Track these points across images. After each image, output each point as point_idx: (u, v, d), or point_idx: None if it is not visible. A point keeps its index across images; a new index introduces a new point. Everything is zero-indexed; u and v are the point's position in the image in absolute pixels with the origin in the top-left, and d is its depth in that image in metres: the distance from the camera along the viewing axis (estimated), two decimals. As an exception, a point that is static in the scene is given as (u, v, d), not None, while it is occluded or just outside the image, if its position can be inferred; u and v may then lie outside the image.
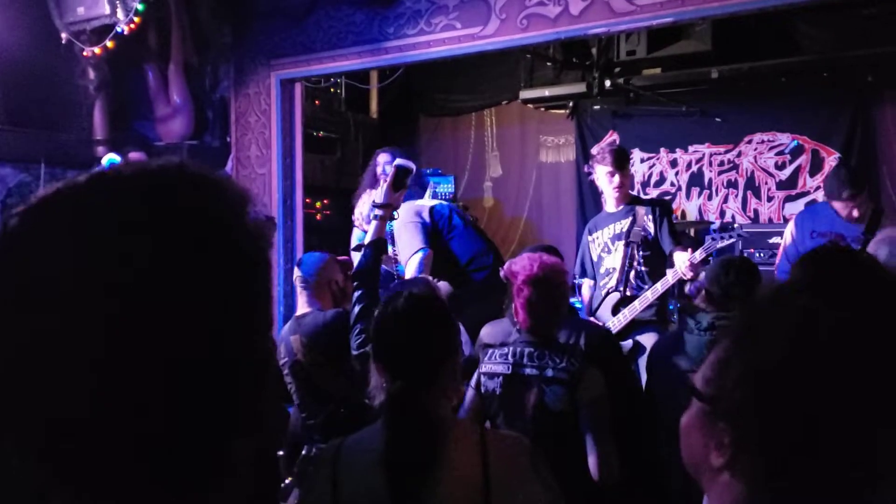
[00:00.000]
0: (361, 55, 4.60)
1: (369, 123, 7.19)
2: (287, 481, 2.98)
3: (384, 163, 4.92)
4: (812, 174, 6.32)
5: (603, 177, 4.26)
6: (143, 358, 0.56)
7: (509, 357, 2.54)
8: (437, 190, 6.38)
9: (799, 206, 6.26)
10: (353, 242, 4.71)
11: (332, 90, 6.72)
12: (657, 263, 4.16)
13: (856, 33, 5.64)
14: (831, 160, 6.21)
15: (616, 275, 4.16)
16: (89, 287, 0.56)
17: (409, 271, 3.82)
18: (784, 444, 0.90)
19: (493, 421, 2.54)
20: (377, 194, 3.21)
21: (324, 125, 6.54)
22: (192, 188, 0.63)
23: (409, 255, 3.84)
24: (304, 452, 2.94)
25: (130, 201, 0.60)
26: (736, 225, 6.20)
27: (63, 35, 4.91)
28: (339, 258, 4.07)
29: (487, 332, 2.88)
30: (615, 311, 4.08)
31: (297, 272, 3.24)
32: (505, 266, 2.71)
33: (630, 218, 4.18)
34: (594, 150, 4.37)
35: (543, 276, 2.53)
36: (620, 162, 4.22)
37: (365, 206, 4.77)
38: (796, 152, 6.37)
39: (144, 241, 0.58)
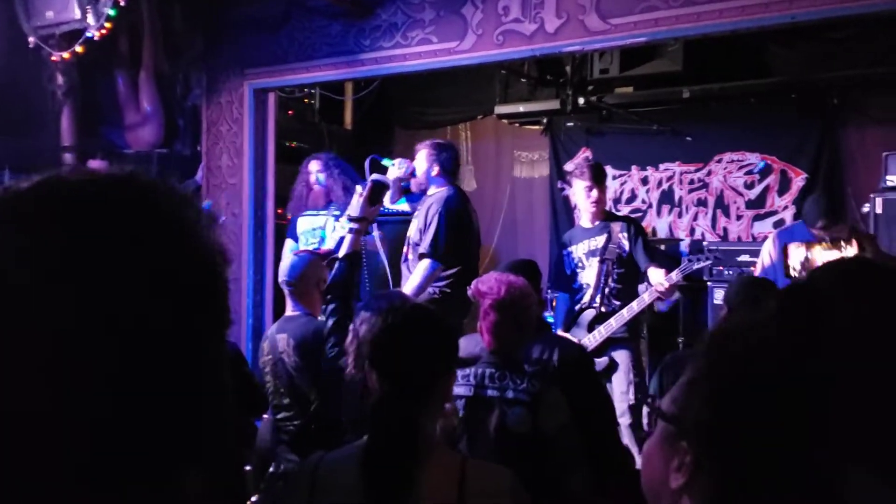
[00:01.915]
0: (336, 66, 4.59)
1: (343, 135, 7.16)
2: (254, 499, 2.94)
3: (316, 171, 4.89)
4: (780, 194, 6.41)
5: (581, 192, 4.28)
6: (83, 372, 0.53)
7: (471, 379, 2.52)
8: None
9: (767, 225, 6.35)
10: (286, 253, 4.68)
11: (305, 101, 6.68)
12: (631, 281, 4.19)
13: (824, 56, 5.75)
14: (799, 180, 6.31)
15: (591, 291, 4.18)
16: (26, 299, 0.53)
17: (415, 277, 3.87)
18: (741, 466, 0.90)
19: (456, 444, 2.52)
20: (352, 207, 3.19)
21: (297, 136, 6.50)
22: (141, 198, 0.60)
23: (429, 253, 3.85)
24: (271, 470, 2.90)
25: (71, 207, 0.57)
26: (705, 243, 6.29)
27: (31, 39, 4.83)
28: (322, 250, 4.06)
29: (462, 346, 2.86)
30: (591, 327, 4.09)
31: (282, 276, 3.23)
32: (472, 284, 2.69)
33: (605, 234, 4.21)
34: (571, 165, 4.41)
35: (510, 300, 2.51)
36: (598, 177, 4.25)
37: (309, 221, 4.76)
38: (765, 172, 6.46)
39: (90, 248, 0.55)
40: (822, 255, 2.58)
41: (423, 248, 4.03)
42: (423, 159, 4.37)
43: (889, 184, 4.72)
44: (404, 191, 4.58)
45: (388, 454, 1.65)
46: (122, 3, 4.50)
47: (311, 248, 4.65)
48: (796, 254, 2.66)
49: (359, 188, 3.31)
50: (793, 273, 2.68)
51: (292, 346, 2.97)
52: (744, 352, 0.93)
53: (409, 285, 4.00)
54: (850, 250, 2.50)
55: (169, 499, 0.58)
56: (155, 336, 0.56)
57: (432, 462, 1.67)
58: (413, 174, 4.33)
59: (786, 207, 6.32)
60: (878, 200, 4.62)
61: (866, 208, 4.94)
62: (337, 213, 4.76)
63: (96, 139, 5.89)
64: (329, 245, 4.64)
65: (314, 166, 4.99)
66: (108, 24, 4.65)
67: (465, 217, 4.18)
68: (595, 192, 4.23)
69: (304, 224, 4.97)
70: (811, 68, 5.83)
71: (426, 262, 3.98)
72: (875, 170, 5.28)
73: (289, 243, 4.93)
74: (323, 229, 4.86)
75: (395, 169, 4.35)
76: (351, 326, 2.40)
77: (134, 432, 0.55)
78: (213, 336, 0.62)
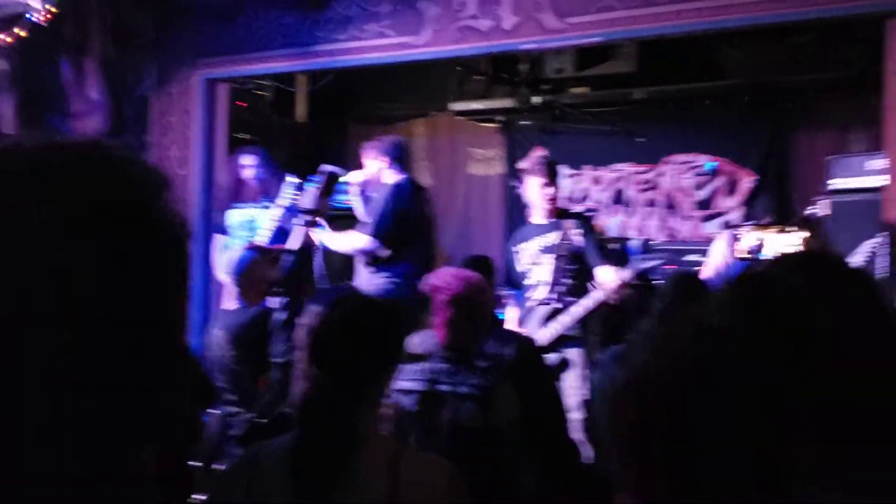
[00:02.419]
0: (290, 58, 4.53)
1: (296, 128, 7.07)
2: (202, 497, 2.87)
3: (250, 164, 4.82)
4: (729, 195, 6.52)
5: (535, 188, 4.28)
6: (39, 340, 0.51)
7: (424, 374, 2.51)
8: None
9: (716, 225, 6.45)
10: (217, 250, 4.60)
11: (258, 92, 6.58)
12: (584, 278, 4.21)
13: (776, 61, 5.87)
14: (748, 182, 6.43)
15: (544, 287, 4.19)
16: None
17: (346, 239, 3.82)
18: (697, 467, 0.89)
19: (407, 439, 2.50)
20: (305, 199, 3.15)
21: (248, 128, 6.39)
22: (103, 162, 0.57)
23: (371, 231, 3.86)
24: (223, 468, 2.84)
25: (29, 172, 0.54)
26: (654, 242, 6.37)
27: (-29, 21, 4.67)
28: (273, 246, 4.00)
29: (416, 342, 2.84)
30: (544, 324, 4.11)
31: (223, 271, 3.18)
32: (427, 280, 2.67)
33: (558, 231, 4.22)
34: (525, 163, 4.40)
35: (466, 296, 2.51)
36: (553, 174, 4.26)
37: (240, 214, 4.68)
38: (714, 174, 6.57)
39: (50, 214, 0.52)
40: (774, 239, 2.63)
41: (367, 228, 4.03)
42: (371, 158, 4.35)
43: (832, 187, 4.83)
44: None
45: (317, 447, 1.61)
46: (68, -13, 4.37)
47: (243, 241, 4.55)
48: (749, 238, 2.71)
49: (291, 179, 3.28)
50: (745, 256, 2.73)
51: (227, 339, 2.93)
52: (694, 351, 0.93)
53: (335, 243, 3.98)
54: (800, 235, 2.56)
55: (128, 477, 0.56)
56: (112, 302, 0.54)
57: (366, 453, 1.63)
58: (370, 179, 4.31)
59: (734, 209, 6.43)
60: (823, 203, 4.73)
61: (811, 210, 5.05)
62: (268, 204, 4.68)
63: (40, 127, 5.72)
64: (261, 238, 4.55)
65: (248, 160, 4.89)
66: (52, 8, 4.51)
67: (414, 204, 4.16)
68: (550, 189, 4.25)
69: (235, 217, 4.87)
70: (763, 72, 5.94)
71: (366, 236, 3.96)
72: (820, 173, 5.40)
73: (219, 238, 4.82)
74: (254, 222, 4.77)
75: (355, 174, 4.32)
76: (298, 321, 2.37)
77: (95, 405, 0.53)
78: (174, 304, 0.60)
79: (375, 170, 4.28)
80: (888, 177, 3.34)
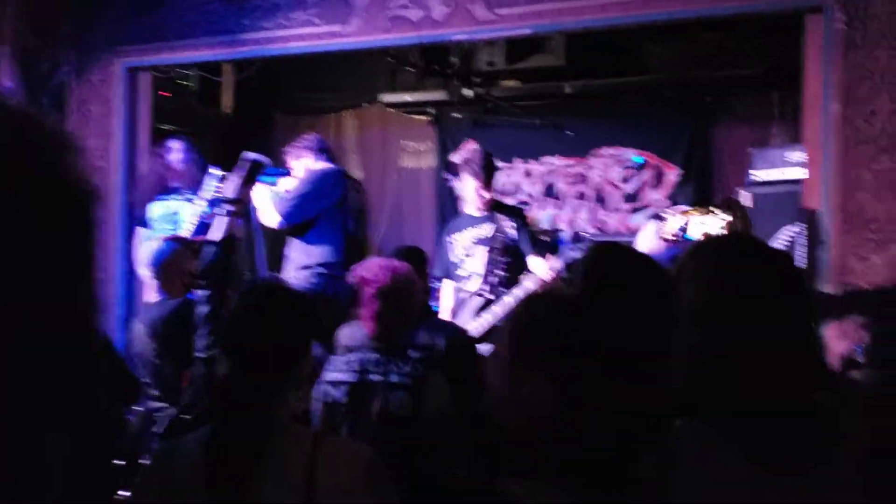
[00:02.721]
0: (215, 46, 4.42)
1: (222, 118, 6.91)
2: (126, 494, 2.79)
3: (177, 151, 4.71)
4: (655, 188, 6.66)
5: (471, 188, 4.30)
6: None
7: (354, 364, 2.49)
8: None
9: (642, 217, 6.57)
10: (139, 243, 4.49)
11: (182, 82, 6.41)
12: (516, 270, 4.25)
13: (698, 56, 6.01)
14: (672, 175, 6.58)
15: (477, 279, 4.20)
16: None
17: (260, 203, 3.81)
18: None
19: (338, 429, 2.47)
20: (227, 189, 3.08)
21: (172, 118, 6.22)
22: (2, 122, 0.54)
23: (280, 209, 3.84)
24: (143, 461, 2.77)
25: None
26: (584, 235, 6.46)
27: None
28: (196, 238, 3.90)
29: (346, 334, 2.81)
30: (476, 315, 4.12)
31: (143, 264, 3.09)
32: (355, 271, 2.64)
33: (492, 223, 4.24)
34: (459, 157, 4.41)
35: (394, 287, 2.49)
36: (489, 175, 4.27)
37: (162, 206, 4.58)
38: (641, 167, 6.70)
39: None
40: (699, 220, 2.69)
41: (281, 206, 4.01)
42: (296, 158, 4.31)
43: (755, 178, 4.96)
44: None
45: (230, 438, 1.58)
46: (-22, -30, 4.18)
47: (166, 234, 4.44)
48: (674, 220, 2.76)
49: (214, 170, 3.22)
50: (670, 238, 2.78)
51: (148, 332, 2.85)
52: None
53: (261, 207, 3.99)
54: (724, 217, 2.62)
55: (33, 461, 0.52)
56: (12, 277, 0.49)
57: (280, 447, 1.60)
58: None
59: (659, 201, 6.57)
60: (745, 194, 4.85)
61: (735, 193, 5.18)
62: (191, 196, 4.58)
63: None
64: (184, 231, 4.45)
65: (173, 151, 4.76)
66: (-37, -7, 4.31)
67: (339, 193, 4.12)
68: (485, 191, 4.27)
69: (158, 209, 4.74)
70: (686, 67, 6.08)
71: (278, 215, 3.95)
72: (742, 165, 5.55)
73: (141, 231, 4.69)
74: (178, 214, 4.65)
75: (287, 181, 4.25)
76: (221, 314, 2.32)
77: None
78: (79, 279, 0.56)
79: (304, 167, 4.24)
80: (807, 169, 3.45)
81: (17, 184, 0.51)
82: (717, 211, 2.65)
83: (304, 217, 4.04)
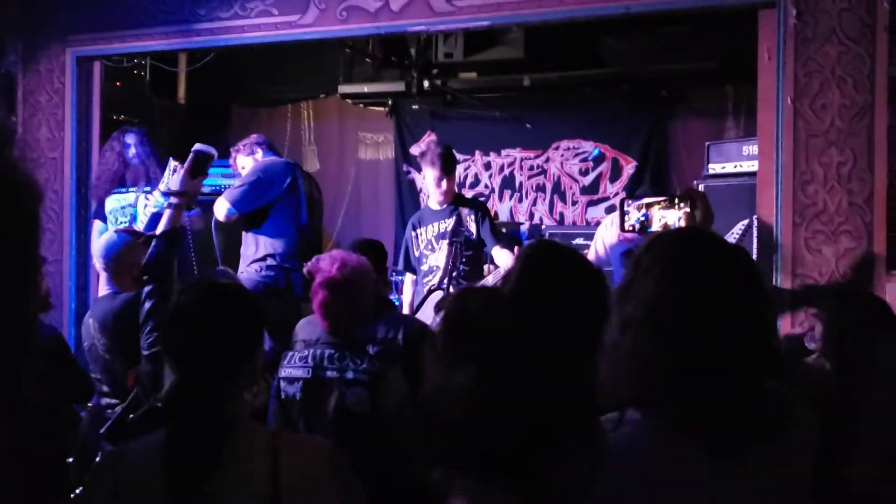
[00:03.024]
0: (169, 36, 4.33)
1: (176, 109, 6.80)
2: (79, 491, 2.73)
3: (134, 145, 4.63)
4: (612, 181, 6.73)
5: (431, 180, 4.29)
6: None
7: (309, 360, 2.46)
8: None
9: (600, 210, 6.64)
10: (95, 237, 4.42)
11: (135, 71, 6.28)
12: (479, 263, 4.26)
13: (654, 50, 6.07)
14: (629, 168, 6.64)
15: (440, 273, 4.19)
16: None
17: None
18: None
19: (295, 427, 2.44)
20: (172, 180, 3.02)
21: (125, 109, 6.10)
22: None
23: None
24: (98, 460, 2.70)
25: None
26: (543, 227, 6.50)
27: None
28: (151, 232, 3.84)
29: (303, 328, 2.78)
30: (438, 309, 4.10)
31: (95, 257, 3.02)
32: (310, 262, 2.62)
33: (454, 217, 4.23)
34: (419, 150, 4.39)
35: (341, 279, 2.46)
36: (449, 167, 4.25)
37: (118, 199, 4.51)
38: (598, 160, 6.76)
39: None
40: (659, 213, 2.70)
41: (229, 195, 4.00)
42: (244, 157, 4.27)
43: (711, 171, 5.03)
44: None
45: (187, 440, 1.55)
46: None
47: (122, 227, 4.36)
48: (635, 213, 2.77)
49: (172, 162, 3.15)
50: (629, 229, 2.80)
51: (97, 327, 2.79)
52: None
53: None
54: (684, 208, 2.64)
55: None
56: None
57: (239, 446, 1.57)
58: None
59: (617, 194, 6.63)
60: (701, 187, 4.92)
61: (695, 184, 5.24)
62: (148, 189, 4.50)
63: None
64: (139, 223, 4.37)
65: (132, 139, 4.67)
66: None
67: (280, 177, 4.08)
68: (445, 183, 4.25)
69: (113, 202, 4.65)
70: (642, 61, 6.14)
71: (226, 203, 3.93)
72: (698, 158, 5.63)
73: (97, 224, 4.59)
74: (134, 207, 4.56)
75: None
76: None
77: None
78: (19, 277, 0.54)
79: (252, 165, 4.21)
80: (761, 162, 3.50)
81: None
82: (677, 202, 2.67)
83: (252, 206, 3.99)
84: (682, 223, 2.67)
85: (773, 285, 3.24)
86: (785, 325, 3.25)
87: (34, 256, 0.56)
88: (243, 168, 4.28)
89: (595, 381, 1.18)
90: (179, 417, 1.58)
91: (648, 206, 2.76)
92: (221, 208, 3.94)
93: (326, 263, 2.48)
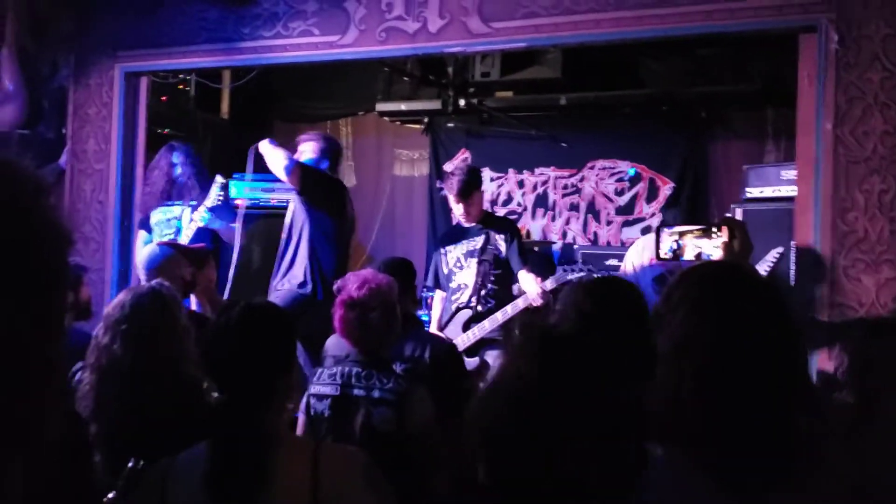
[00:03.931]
0: (213, 53, 4.44)
1: (219, 124, 6.94)
2: (110, 496, 2.78)
3: (181, 162, 4.75)
4: (648, 201, 6.69)
5: (452, 205, 4.34)
6: None
7: (337, 378, 2.49)
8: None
9: (635, 231, 6.60)
10: (139, 247, 4.52)
11: (181, 87, 6.43)
12: (507, 283, 4.28)
13: (692, 71, 6.04)
14: (666, 189, 6.60)
15: (468, 291, 4.22)
16: None
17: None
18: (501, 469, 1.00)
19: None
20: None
21: (170, 123, 6.24)
22: None
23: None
24: (130, 465, 2.75)
25: None
26: (576, 246, 6.48)
27: None
28: (193, 245, 3.93)
29: (333, 345, 2.82)
30: (466, 327, 4.14)
31: (139, 268, 3.10)
32: (341, 279, 2.66)
33: (483, 236, 4.26)
34: (447, 175, 4.44)
35: (359, 299, 2.49)
36: (465, 193, 4.24)
37: (163, 211, 4.62)
38: (634, 180, 6.73)
39: None
40: (694, 242, 2.67)
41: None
42: (311, 150, 4.36)
43: (749, 195, 4.99)
44: None
45: (232, 457, 1.60)
46: (-21, -25, 4.19)
47: (166, 239, 4.46)
48: (668, 240, 2.73)
49: (219, 179, 3.23)
50: (664, 257, 2.75)
51: None
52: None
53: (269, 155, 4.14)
54: (721, 238, 2.59)
55: None
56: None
57: (283, 453, 1.64)
58: None
59: (653, 215, 6.59)
60: (739, 211, 4.88)
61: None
62: (193, 203, 4.60)
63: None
64: (183, 237, 4.47)
65: (179, 156, 4.79)
66: (-36, -3, 4.32)
67: (341, 194, 4.21)
68: (461, 207, 4.26)
69: (158, 215, 4.76)
70: (680, 82, 6.11)
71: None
72: (736, 181, 5.58)
73: (142, 235, 4.71)
74: (178, 220, 4.67)
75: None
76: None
77: None
78: (42, 320, 0.57)
79: (310, 161, 4.35)
80: (800, 187, 3.46)
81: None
82: (713, 231, 2.62)
83: (306, 179, 4.13)
84: (719, 252, 2.62)
85: (811, 316, 3.19)
86: (823, 360, 3.20)
87: (58, 302, 0.60)
88: (303, 152, 4.42)
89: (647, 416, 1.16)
90: (222, 431, 1.63)
91: (682, 234, 2.72)
92: (280, 163, 4.11)
93: (351, 282, 2.52)
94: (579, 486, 1.00)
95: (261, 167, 4.35)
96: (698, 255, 2.65)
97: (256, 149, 4.26)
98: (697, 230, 2.71)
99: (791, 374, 1.22)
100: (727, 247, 2.58)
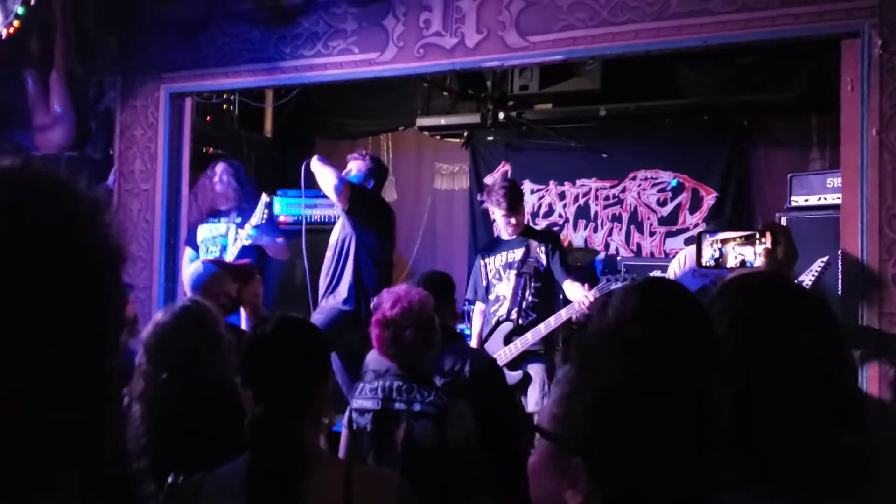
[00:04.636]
0: (256, 73, 4.52)
1: (262, 142, 7.06)
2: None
3: (228, 175, 4.84)
4: (692, 211, 6.61)
5: (499, 218, 4.35)
6: None
7: (379, 392, 2.51)
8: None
9: (679, 241, 6.53)
10: (185, 264, 4.60)
11: (224, 107, 6.56)
12: (547, 295, 4.26)
13: (733, 80, 5.98)
14: (710, 199, 6.53)
15: (507, 303, 4.22)
16: None
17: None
18: (634, 470, 0.92)
19: (365, 458, 2.49)
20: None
21: (214, 142, 6.37)
22: (35, 188, 0.58)
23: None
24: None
25: None
26: (619, 258, 6.43)
27: (-67, 34, 4.60)
28: (238, 261, 4.01)
29: (374, 359, 2.84)
30: (507, 340, 4.13)
31: (185, 286, 3.17)
32: (378, 296, 2.68)
33: (523, 248, 4.26)
34: (488, 190, 4.45)
35: (392, 318, 2.50)
36: (514, 205, 4.29)
37: (209, 228, 4.72)
38: (677, 190, 6.66)
39: None
40: (737, 249, 2.61)
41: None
42: (357, 169, 4.45)
43: (794, 204, 4.92)
44: None
45: (271, 471, 1.63)
46: (31, 2, 4.33)
47: (212, 256, 4.54)
48: (709, 249, 2.67)
49: (264, 197, 3.28)
50: (706, 265, 2.68)
51: None
52: (612, 364, 0.97)
53: (320, 173, 4.27)
54: (764, 244, 2.52)
55: (44, 498, 0.56)
56: (24, 334, 0.54)
57: (318, 472, 1.66)
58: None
59: (697, 225, 6.51)
60: (783, 219, 4.81)
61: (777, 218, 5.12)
62: (239, 220, 4.68)
63: (3, 141, 5.64)
64: (229, 254, 4.55)
65: (225, 171, 4.89)
66: (16, 22, 4.48)
67: (389, 216, 4.28)
68: (513, 219, 4.30)
69: (205, 232, 4.85)
70: (720, 91, 6.06)
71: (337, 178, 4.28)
72: (780, 190, 5.50)
73: (188, 252, 4.80)
74: (224, 237, 4.75)
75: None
76: None
77: (9, 429, 0.53)
78: (99, 337, 0.60)
79: (357, 180, 4.45)
80: (846, 195, 3.40)
81: (51, 251, 0.55)
82: (757, 238, 2.56)
83: (355, 198, 4.23)
84: (762, 260, 2.56)
85: (858, 326, 3.13)
86: (872, 371, 3.13)
87: (114, 319, 0.62)
88: (350, 170, 4.56)
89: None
90: (260, 446, 1.65)
91: (724, 241, 2.67)
92: (331, 183, 4.24)
93: (385, 300, 2.53)
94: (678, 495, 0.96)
95: (310, 183, 4.43)
96: (742, 263, 2.59)
97: (308, 166, 4.34)
98: (740, 237, 2.64)
99: (837, 390, 1.19)
100: (770, 254, 2.52)
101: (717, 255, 2.72)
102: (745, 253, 2.63)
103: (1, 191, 0.57)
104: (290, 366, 1.73)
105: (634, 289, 1.72)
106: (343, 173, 4.45)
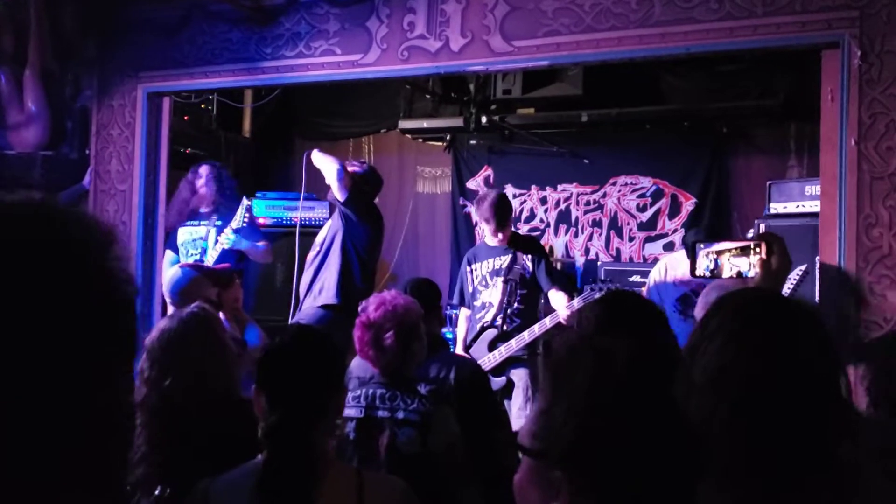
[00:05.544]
0: (235, 73, 4.48)
1: (241, 143, 7.00)
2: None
3: (207, 176, 4.80)
4: (671, 217, 6.66)
5: (488, 232, 4.36)
6: None
7: (362, 400, 2.50)
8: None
9: (658, 247, 6.57)
10: (166, 267, 4.55)
11: (203, 106, 6.49)
12: (533, 302, 4.28)
13: (713, 87, 6.03)
14: (688, 205, 6.57)
15: (493, 310, 4.22)
16: None
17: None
18: (615, 477, 0.92)
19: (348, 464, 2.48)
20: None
21: (192, 142, 6.30)
22: (50, 223, 0.57)
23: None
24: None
25: None
26: (599, 263, 6.45)
27: None
28: (217, 266, 3.97)
29: (358, 366, 2.82)
30: (492, 346, 4.13)
31: (164, 290, 3.14)
32: (366, 300, 2.67)
33: (510, 255, 4.26)
34: (477, 201, 4.45)
35: (374, 321, 2.50)
36: (503, 222, 4.30)
37: (189, 231, 4.66)
38: (657, 196, 6.70)
39: None
40: (732, 261, 2.60)
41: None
42: (356, 171, 4.44)
43: (772, 211, 4.95)
44: None
45: (284, 476, 1.64)
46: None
47: (192, 260, 4.49)
48: (705, 260, 2.67)
49: (245, 201, 3.26)
50: (701, 275, 2.68)
51: None
52: (582, 375, 0.97)
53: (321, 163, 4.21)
54: (759, 255, 2.52)
55: None
56: (37, 362, 0.53)
57: (330, 479, 1.69)
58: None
59: (675, 230, 6.56)
60: (762, 226, 4.84)
61: (751, 234, 5.16)
62: (219, 223, 4.63)
63: (-25, 138, 5.55)
64: (209, 257, 4.50)
65: (205, 172, 4.84)
66: (-10, 19, 4.40)
67: (379, 220, 4.26)
68: (500, 234, 4.31)
69: (185, 234, 4.80)
70: (701, 98, 6.10)
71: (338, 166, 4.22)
72: (759, 197, 5.54)
73: (168, 255, 4.75)
74: (205, 240, 4.71)
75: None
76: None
77: (18, 453, 0.53)
78: (112, 363, 0.58)
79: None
80: (824, 203, 3.42)
81: (64, 282, 0.54)
82: (752, 249, 2.55)
83: (355, 186, 4.21)
84: (756, 270, 2.55)
85: (836, 334, 3.14)
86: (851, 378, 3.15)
87: (127, 356, 0.61)
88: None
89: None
90: (275, 452, 1.67)
91: (719, 252, 2.66)
92: (331, 168, 4.18)
93: (371, 303, 2.53)
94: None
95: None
96: (738, 274, 2.58)
97: (308, 157, 4.31)
98: (736, 248, 2.62)
99: (831, 405, 1.19)
100: (764, 264, 2.51)
101: (712, 266, 2.70)
102: (740, 264, 2.61)
103: (14, 226, 0.56)
104: (309, 377, 1.76)
105: (599, 302, 1.77)
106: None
